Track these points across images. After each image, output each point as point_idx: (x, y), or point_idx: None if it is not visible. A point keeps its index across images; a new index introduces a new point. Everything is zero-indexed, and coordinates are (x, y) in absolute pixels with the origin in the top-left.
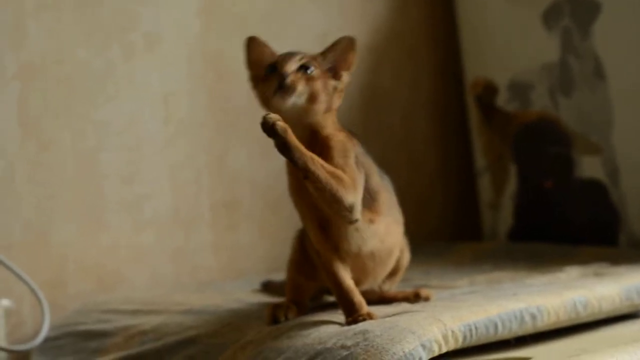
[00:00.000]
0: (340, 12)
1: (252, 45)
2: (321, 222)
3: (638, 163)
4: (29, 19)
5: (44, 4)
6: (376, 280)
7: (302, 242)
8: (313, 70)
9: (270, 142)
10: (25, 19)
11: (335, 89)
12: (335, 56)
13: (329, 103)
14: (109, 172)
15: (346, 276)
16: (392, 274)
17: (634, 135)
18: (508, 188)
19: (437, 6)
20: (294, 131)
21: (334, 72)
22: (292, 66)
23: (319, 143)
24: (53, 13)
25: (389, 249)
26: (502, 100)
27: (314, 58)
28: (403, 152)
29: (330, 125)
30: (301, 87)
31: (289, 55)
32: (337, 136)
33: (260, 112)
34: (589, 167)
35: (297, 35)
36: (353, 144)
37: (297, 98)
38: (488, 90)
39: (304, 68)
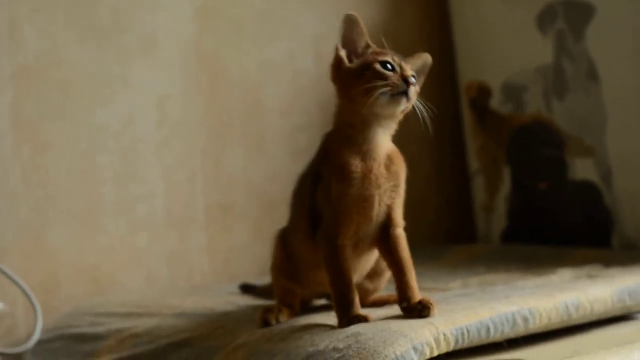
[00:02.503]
0: (334, 14)
1: (350, 22)
2: (359, 225)
3: (631, 165)
4: (24, 22)
5: (38, 7)
6: (361, 276)
7: (284, 246)
8: (416, 80)
9: (264, 144)
10: (19, 22)
11: None
12: (422, 68)
13: None
14: (104, 174)
15: (351, 275)
16: (376, 273)
17: (627, 137)
18: (502, 190)
19: (432, 9)
20: (372, 146)
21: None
22: (411, 73)
23: (394, 163)
24: (47, 16)
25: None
26: (496, 102)
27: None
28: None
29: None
30: (415, 99)
31: (404, 60)
32: (400, 157)
33: (255, 115)
34: (582, 169)
35: (291, 38)
36: None
37: (406, 106)
38: (482, 93)
39: (414, 77)
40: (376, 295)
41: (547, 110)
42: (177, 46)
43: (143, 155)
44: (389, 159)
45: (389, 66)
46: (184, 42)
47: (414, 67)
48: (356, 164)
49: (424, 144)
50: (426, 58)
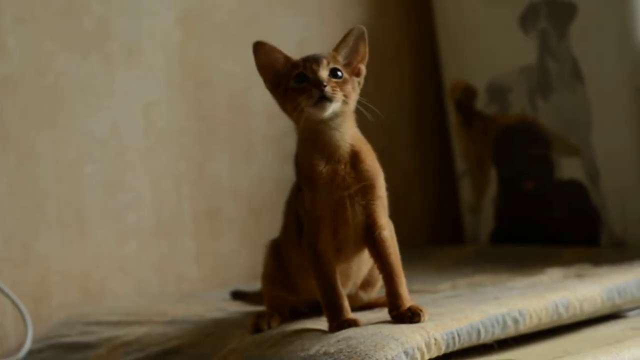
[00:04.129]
0: (319, 19)
1: (260, 50)
2: (336, 229)
3: (617, 163)
4: (8, 32)
5: (22, 16)
6: (355, 285)
7: (276, 255)
8: (342, 74)
9: (250, 149)
10: (4, 32)
11: (358, 84)
12: (349, 50)
13: (355, 99)
14: (91, 182)
15: (338, 280)
16: (369, 284)
17: (613, 135)
18: (489, 191)
19: (415, 10)
20: (332, 149)
21: (351, 67)
22: (324, 74)
23: (362, 162)
24: (31, 25)
25: (367, 254)
26: (481, 103)
27: (334, 59)
28: (384, 156)
29: (356, 131)
30: (339, 95)
31: (316, 62)
32: (370, 156)
33: (242, 120)
34: (568, 168)
35: (276, 42)
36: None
37: (335, 105)
38: (467, 94)
39: (332, 73)
40: None
41: (532, 110)
42: (161, 53)
43: (130, 163)
44: (357, 158)
45: (302, 77)
46: (168, 49)
47: (347, 46)
48: (321, 169)
49: (410, 146)
50: (356, 31)
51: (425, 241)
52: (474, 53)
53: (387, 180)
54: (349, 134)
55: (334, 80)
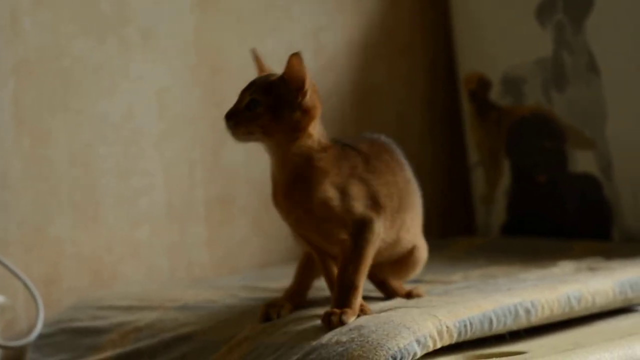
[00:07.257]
0: (334, 7)
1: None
2: (309, 241)
3: (631, 157)
4: (25, 15)
5: None
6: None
7: None
8: (257, 106)
9: None
10: (20, 15)
11: (291, 114)
12: (290, 78)
13: (293, 130)
14: (105, 166)
15: (330, 276)
16: (400, 271)
17: (628, 129)
18: (501, 183)
19: (431, 1)
20: (274, 170)
21: (295, 94)
22: (238, 106)
23: (296, 189)
24: (48, 8)
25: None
26: (496, 94)
27: (267, 87)
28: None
29: (315, 150)
30: (241, 130)
31: (245, 90)
32: (323, 170)
33: None
34: (582, 162)
35: (291, 30)
36: (342, 163)
37: (244, 137)
38: (481, 85)
39: (252, 103)
40: None
41: (547, 102)
42: (177, 38)
43: (144, 148)
44: (296, 184)
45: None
46: (183, 35)
47: (292, 74)
48: (273, 192)
49: (422, 137)
50: (292, 58)
51: (436, 232)
52: (490, 44)
53: None
54: (288, 159)
55: (247, 113)
